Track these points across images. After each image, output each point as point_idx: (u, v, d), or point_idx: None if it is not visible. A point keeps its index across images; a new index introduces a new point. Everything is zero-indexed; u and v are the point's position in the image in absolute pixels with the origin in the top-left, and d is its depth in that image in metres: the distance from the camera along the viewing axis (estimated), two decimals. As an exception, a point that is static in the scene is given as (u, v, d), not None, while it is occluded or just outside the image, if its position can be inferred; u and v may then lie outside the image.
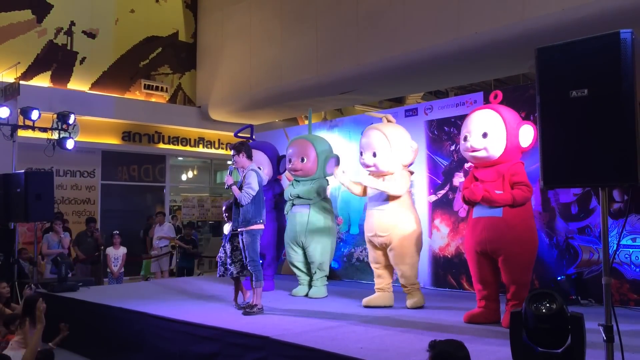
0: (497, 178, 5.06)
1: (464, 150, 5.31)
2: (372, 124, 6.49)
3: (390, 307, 6.09)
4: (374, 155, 6.01)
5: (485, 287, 5.20)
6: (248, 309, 5.69)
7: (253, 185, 5.80)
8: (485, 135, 5.07)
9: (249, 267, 5.91)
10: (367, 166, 6.12)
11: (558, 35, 4.06)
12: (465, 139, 5.23)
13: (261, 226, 5.93)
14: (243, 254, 6.00)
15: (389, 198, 5.99)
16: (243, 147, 6.02)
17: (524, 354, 3.07)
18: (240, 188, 5.84)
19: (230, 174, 6.08)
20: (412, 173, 6.25)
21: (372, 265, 6.29)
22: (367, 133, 6.21)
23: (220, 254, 6.34)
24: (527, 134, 5.10)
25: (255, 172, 5.92)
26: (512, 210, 4.97)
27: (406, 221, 5.99)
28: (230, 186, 5.88)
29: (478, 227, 5.15)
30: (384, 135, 6.02)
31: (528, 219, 5.08)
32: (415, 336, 4.65)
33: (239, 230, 5.93)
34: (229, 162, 6.32)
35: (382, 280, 6.20)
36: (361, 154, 6.20)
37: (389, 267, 6.17)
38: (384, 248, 6.07)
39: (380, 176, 6.10)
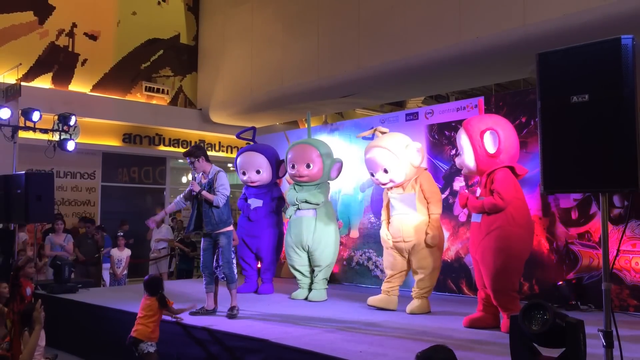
0: (483, 186, 5.23)
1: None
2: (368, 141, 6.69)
3: (392, 310, 6.11)
4: (386, 171, 6.10)
5: (484, 292, 5.22)
6: (230, 312, 5.68)
7: (227, 186, 5.79)
8: (458, 153, 5.44)
9: (225, 270, 5.79)
10: (384, 184, 6.22)
11: (559, 40, 4.06)
12: None
13: (232, 227, 5.92)
14: (214, 256, 5.88)
15: (416, 206, 6.08)
16: (199, 152, 5.93)
17: (524, 357, 3.07)
18: (211, 191, 5.77)
19: (194, 179, 5.99)
20: (425, 169, 6.44)
21: (387, 271, 6.30)
22: (369, 153, 6.28)
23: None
24: (489, 141, 5.12)
25: (224, 173, 5.91)
26: (491, 216, 5.00)
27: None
28: (199, 192, 5.77)
29: (470, 232, 5.41)
30: (387, 149, 6.10)
31: (507, 226, 4.95)
32: (414, 341, 4.64)
33: (214, 233, 5.80)
34: (231, 168, 6.23)
35: (390, 284, 6.24)
36: (372, 174, 6.28)
37: (403, 274, 6.21)
38: (407, 253, 6.08)
39: (399, 186, 6.15)
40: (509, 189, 5.01)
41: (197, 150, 5.94)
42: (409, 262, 6.13)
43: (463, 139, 5.30)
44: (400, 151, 6.05)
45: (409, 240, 6.01)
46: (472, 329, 5.13)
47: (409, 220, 6.05)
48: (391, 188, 6.24)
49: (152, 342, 4.97)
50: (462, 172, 5.57)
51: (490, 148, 5.10)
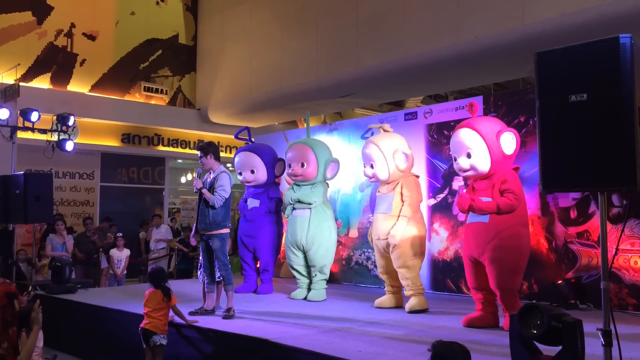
0: (489, 187, 5.19)
1: (457, 171, 5.56)
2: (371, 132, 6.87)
3: (398, 307, 6.22)
4: (372, 167, 6.31)
5: (480, 292, 5.27)
6: (226, 313, 5.68)
7: (226, 188, 5.74)
8: (469, 155, 5.25)
9: (221, 272, 5.79)
10: (369, 177, 6.44)
11: (558, 39, 4.06)
12: (454, 159, 5.45)
13: (228, 230, 5.88)
14: (207, 258, 5.89)
15: (392, 207, 6.16)
16: (210, 148, 5.90)
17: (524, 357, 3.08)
18: (211, 190, 5.77)
19: (199, 176, 5.97)
20: (417, 177, 6.46)
21: (379, 270, 6.46)
22: (364, 146, 6.50)
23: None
24: (508, 142, 5.16)
25: (227, 174, 5.86)
26: (499, 216, 5.03)
27: (410, 224, 6.11)
28: (200, 189, 5.78)
29: (468, 232, 5.31)
30: (378, 147, 6.28)
31: (517, 225, 5.06)
32: (413, 341, 4.64)
33: (207, 233, 5.79)
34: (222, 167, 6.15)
35: (387, 284, 6.36)
36: (364, 165, 6.48)
37: (394, 272, 6.24)
38: (387, 251, 6.15)
39: (384, 184, 6.31)
40: (520, 189, 5.12)
41: (207, 147, 5.93)
42: (390, 261, 6.22)
43: (473, 141, 5.18)
44: (389, 152, 6.21)
45: (383, 239, 6.14)
46: (471, 328, 5.13)
47: (384, 219, 6.17)
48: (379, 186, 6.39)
49: (164, 334, 5.10)
50: (466, 173, 5.38)
51: (508, 149, 5.15)
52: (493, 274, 5.01)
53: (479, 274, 5.19)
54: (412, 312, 5.93)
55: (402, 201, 6.14)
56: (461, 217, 7.21)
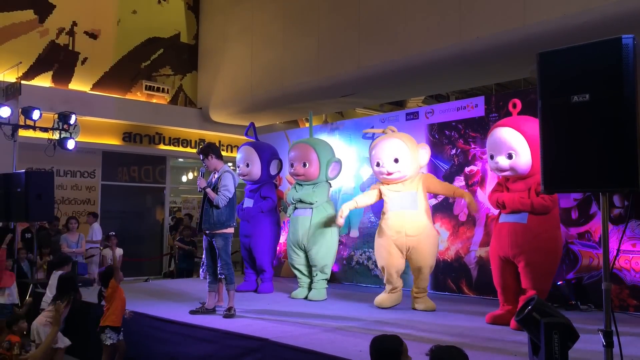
0: (525, 188, 5.20)
1: (493, 169, 5.52)
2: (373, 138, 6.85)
3: (398, 305, 6.23)
4: (396, 161, 6.13)
5: (507, 291, 5.30)
6: (227, 312, 5.67)
7: (230, 188, 5.76)
8: (510, 156, 5.20)
9: (223, 271, 5.80)
10: (389, 173, 6.18)
11: (560, 40, 4.06)
12: (492, 157, 5.37)
13: (232, 229, 5.88)
14: (211, 257, 5.91)
15: (417, 204, 6.19)
16: (210, 149, 5.94)
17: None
18: (215, 190, 5.78)
19: (202, 176, 5.97)
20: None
21: (385, 269, 6.29)
22: (382, 143, 6.29)
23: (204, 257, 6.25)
24: None
25: (231, 173, 5.87)
26: (537, 218, 5.08)
27: (431, 225, 6.27)
28: (204, 189, 5.79)
29: (503, 232, 5.29)
30: (402, 141, 6.20)
31: (553, 229, 5.19)
32: (415, 341, 4.63)
33: (211, 232, 5.79)
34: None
35: (390, 285, 6.28)
36: (378, 164, 6.26)
37: (399, 272, 6.25)
38: (406, 249, 6.09)
39: (398, 182, 6.22)
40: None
41: (207, 148, 5.96)
42: (400, 260, 6.19)
43: (515, 141, 5.16)
44: (414, 146, 6.22)
45: (411, 235, 6.03)
46: (483, 328, 5.16)
47: (410, 216, 6.09)
48: (389, 182, 6.25)
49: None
50: (504, 173, 5.33)
51: None
52: (530, 275, 5.05)
53: (508, 273, 5.25)
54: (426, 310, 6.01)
55: (452, 193, 6.39)
56: (462, 217, 7.21)
